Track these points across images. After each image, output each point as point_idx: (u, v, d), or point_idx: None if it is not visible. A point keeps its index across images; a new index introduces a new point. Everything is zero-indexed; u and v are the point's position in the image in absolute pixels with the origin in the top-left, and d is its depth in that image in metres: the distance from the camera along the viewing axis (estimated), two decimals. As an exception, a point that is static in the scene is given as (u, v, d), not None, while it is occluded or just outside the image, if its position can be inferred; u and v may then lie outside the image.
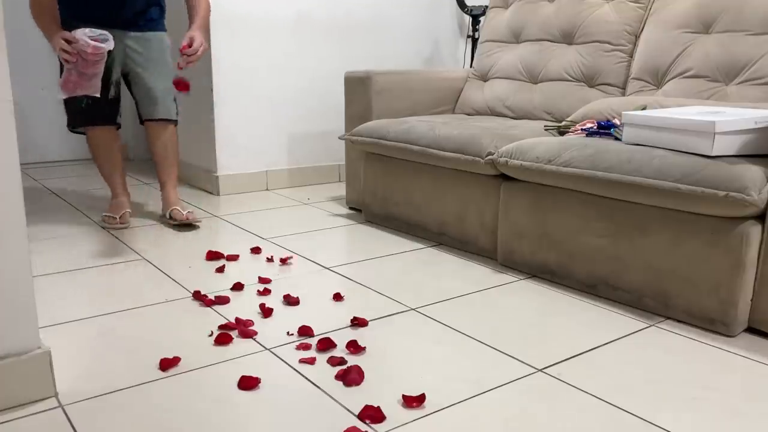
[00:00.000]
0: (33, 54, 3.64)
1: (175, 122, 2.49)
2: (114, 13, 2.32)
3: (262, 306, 1.65)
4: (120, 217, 2.41)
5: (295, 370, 1.34)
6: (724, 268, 1.48)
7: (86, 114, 2.38)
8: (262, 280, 1.86)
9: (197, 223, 2.46)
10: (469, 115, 2.69)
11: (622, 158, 1.62)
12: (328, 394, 1.24)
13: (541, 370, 1.34)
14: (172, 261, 2.04)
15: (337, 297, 1.73)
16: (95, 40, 2.05)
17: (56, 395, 1.23)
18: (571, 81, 2.41)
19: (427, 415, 1.17)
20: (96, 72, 2.10)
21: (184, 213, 2.42)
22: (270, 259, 2.05)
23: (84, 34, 2.06)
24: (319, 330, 1.53)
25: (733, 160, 1.48)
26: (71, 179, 3.35)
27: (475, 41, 3.50)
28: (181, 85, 2.32)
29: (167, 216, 2.48)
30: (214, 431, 1.12)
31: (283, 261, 2.03)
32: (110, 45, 2.07)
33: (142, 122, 2.47)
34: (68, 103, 2.36)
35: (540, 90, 2.49)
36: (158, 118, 2.43)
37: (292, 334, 1.51)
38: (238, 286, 1.80)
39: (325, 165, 3.32)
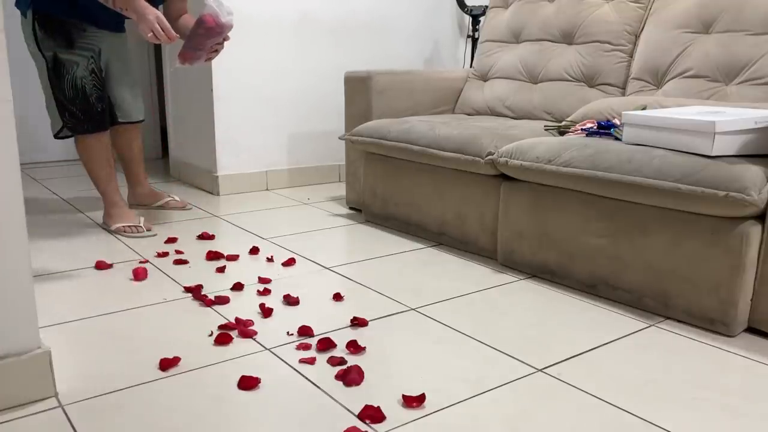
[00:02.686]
0: (29, 53, 3.63)
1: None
2: (110, 13, 2.20)
3: (262, 306, 1.65)
4: (144, 224, 2.35)
5: (295, 370, 1.34)
6: (724, 268, 1.48)
7: (100, 118, 2.28)
8: (262, 280, 1.86)
9: (188, 208, 2.73)
10: (469, 115, 2.69)
11: (622, 158, 1.62)
12: (328, 394, 1.24)
13: (541, 370, 1.34)
14: (172, 260, 2.04)
15: (337, 297, 1.73)
16: (219, 11, 2.09)
17: (56, 395, 1.23)
18: (571, 81, 2.41)
19: (427, 415, 1.17)
20: (206, 46, 2.15)
21: (179, 200, 2.71)
22: (270, 259, 2.05)
23: (216, 5, 2.07)
24: (319, 330, 1.53)
25: (733, 160, 1.48)
26: (71, 179, 3.35)
27: (475, 41, 3.50)
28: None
29: (162, 205, 2.69)
30: (214, 431, 1.12)
31: (286, 264, 2.03)
32: (230, 21, 2.11)
33: (113, 124, 2.41)
34: (83, 109, 2.22)
35: (540, 90, 2.49)
36: (136, 120, 2.48)
37: (292, 334, 1.51)
38: (238, 286, 1.80)
39: (325, 165, 3.32)
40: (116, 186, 2.39)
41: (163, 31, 2.01)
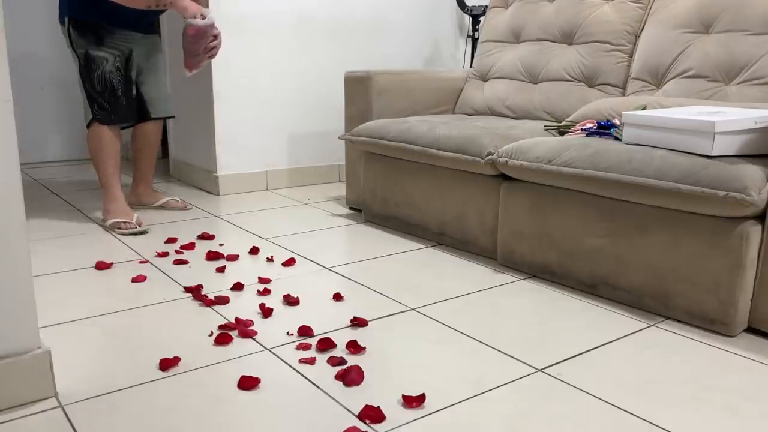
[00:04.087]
0: (32, 53, 3.63)
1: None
2: (141, 16, 2.41)
3: (262, 306, 1.65)
4: (136, 220, 2.40)
5: (295, 370, 1.34)
6: (724, 268, 1.48)
7: (125, 112, 2.44)
8: (262, 280, 1.86)
9: (189, 208, 2.74)
10: (469, 115, 2.69)
11: (623, 158, 1.62)
12: (328, 394, 1.24)
13: (541, 370, 1.34)
14: (172, 260, 2.04)
15: (337, 297, 1.73)
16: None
17: (56, 395, 1.23)
18: (571, 81, 2.41)
19: (427, 415, 1.17)
20: (200, 49, 2.36)
21: (179, 200, 2.74)
22: (270, 259, 2.05)
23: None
24: (319, 330, 1.53)
25: (733, 160, 1.48)
26: (71, 179, 3.35)
27: (475, 41, 3.50)
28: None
29: (162, 205, 2.71)
30: (214, 431, 1.12)
31: (286, 264, 2.03)
32: (207, 21, 2.32)
33: (142, 120, 2.57)
34: (111, 101, 2.39)
35: (540, 90, 2.49)
36: (169, 115, 2.63)
37: (292, 334, 1.51)
38: (238, 286, 1.80)
39: (325, 165, 3.32)
40: (119, 181, 2.47)
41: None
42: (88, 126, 2.44)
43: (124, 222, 2.38)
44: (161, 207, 2.70)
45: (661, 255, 1.59)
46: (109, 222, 2.40)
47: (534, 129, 2.16)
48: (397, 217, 2.38)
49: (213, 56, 2.41)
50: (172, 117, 2.68)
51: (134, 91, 2.49)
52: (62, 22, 2.39)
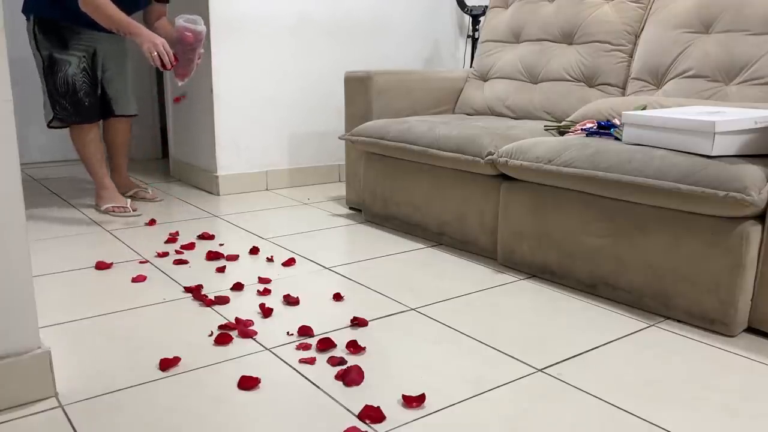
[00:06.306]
0: (32, 53, 3.63)
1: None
2: None
3: (262, 306, 1.65)
4: (130, 205, 2.59)
5: (295, 370, 1.34)
6: (724, 268, 1.48)
7: (87, 112, 2.51)
8: (262, 280, 1.86)
9: (158, 200, 2.85)
10: (469, 115, 2.69)
11: (623, 158, 1.62)
12: (328, 394, 1.24)
13: (541, 370, 1.34)
14: (172, 261, 2.04)
15: (337, 297, 1.73)
16: (191, 24, 2.39)
17: (56, 395, 1.23)
18: (571, 81, 2.41)
19: (427, 415, 1.17)
20: (195, 56, 2.45)
21: (150, 192, 2.85)
22: (270, 259, 2.05)
23: (185, 21, 2.38)
24: (319, 330, 1.53)
25: (733, 160, 1.48)
26: (71, 179, 3.35)
27: (475, 41, 3.50)
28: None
29: (132, 195, 2.81)
30: (214, 431, 1.12)
31: (286, 264, 2.03)
32: (203, 27, 2.40)
33: (108, 117, 2.67)
34: (73, 102, 2.47)
35: (540, 90, 2.49)
36: (132, 114, 2.72)
37: (292, 334, 1.51)
38: (238, 286, 1.80)
39: (325, 165, 3.32)
40: (106, 171, 2.64)
41: (167, 54, 2.31)
42: (49, 125, 2.52)
43: (117, 207, 2.57)
44: (132, 197, 2.80)
45: (661, 255, 1.59)
46: (103, 207, 2.59)
47: (534, 129, 2.16)
48: (397, 217, 2.38)
49: (199, 62, 2.51)
50: (135, 115, 2.74)
51: (99, 90, 2.57)
52: (27, 18, 2.43)
